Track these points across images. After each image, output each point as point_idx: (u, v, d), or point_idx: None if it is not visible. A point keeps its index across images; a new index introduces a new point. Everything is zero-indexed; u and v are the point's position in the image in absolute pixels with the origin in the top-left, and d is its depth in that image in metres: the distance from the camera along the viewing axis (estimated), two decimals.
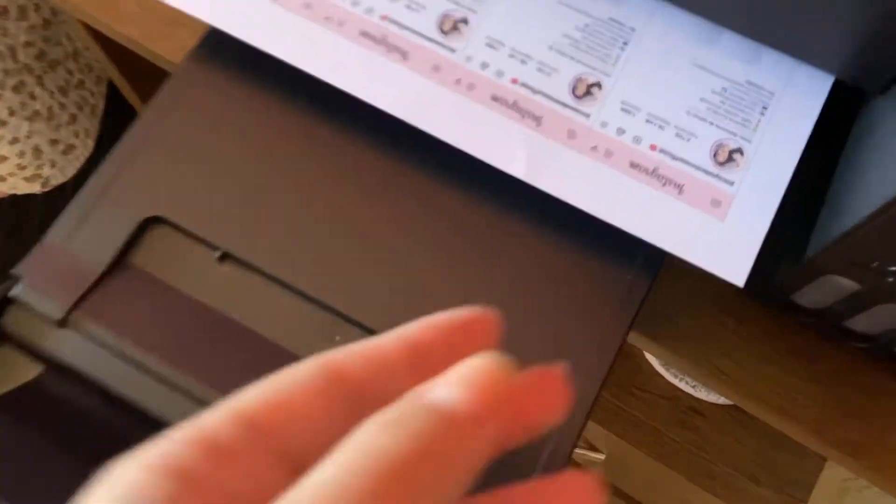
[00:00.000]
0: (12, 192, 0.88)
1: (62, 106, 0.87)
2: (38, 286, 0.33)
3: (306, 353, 0.33)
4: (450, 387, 0.16)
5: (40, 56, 0.83)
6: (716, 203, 0.33)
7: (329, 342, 0.33)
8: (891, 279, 0.30)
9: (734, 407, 0.61)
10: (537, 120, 0.35)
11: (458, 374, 0.16)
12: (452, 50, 0.36)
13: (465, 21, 0.36)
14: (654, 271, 0.34)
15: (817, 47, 0.33)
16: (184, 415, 0.31)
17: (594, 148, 0.34)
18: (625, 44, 0.36)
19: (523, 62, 0.35)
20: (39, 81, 0.82)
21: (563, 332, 0.33)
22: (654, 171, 0.34)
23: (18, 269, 0.33)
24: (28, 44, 0.80)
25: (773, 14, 0.32)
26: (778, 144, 0.34)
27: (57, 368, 0.33)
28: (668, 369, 0.60)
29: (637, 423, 0.61)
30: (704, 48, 0.35)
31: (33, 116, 0.82)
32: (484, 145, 0.34)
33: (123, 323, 0.33)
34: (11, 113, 0.79)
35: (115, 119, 0.99)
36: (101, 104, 0.94)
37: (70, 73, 0.88)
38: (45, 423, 0.31)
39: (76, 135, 0.90)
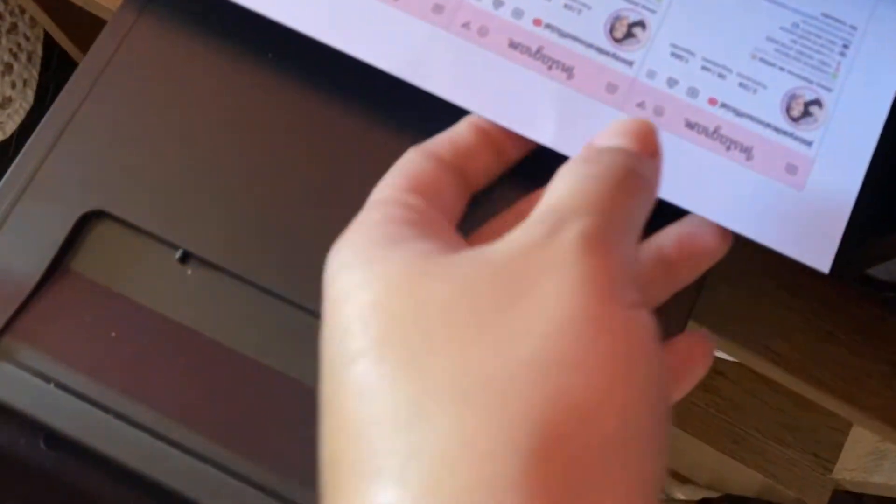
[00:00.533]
0: None
1: None
2: None
3: (289, 369, 0.27)
4: (614, 137, 0.21)
5: None
6: (791, 169, 0.27)
7: (314, 355, 0.27)
8: None
9: None
10: (568, 71, 0.28)
11: (613, 129, 0.21)
12: None
13: None
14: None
15: None
16: (142, 454, 0.26)
17: (640, 104, 0.28)
18: None
19: None
20: None
21: None
22: (715, 131, 0.28)
23: None
24: None
25: None
26: (864, 92, 0.28)
27: None
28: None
29: None
30: None
31: None
32: (501, 106, 0.27)
33: (65, 346, 0.27)
34: None
35: (58, 66, 0.90)
36: (38, 50, 0.85)
37: (0, 17, 0.79)
38: None
39: (12, 85, 0.81)
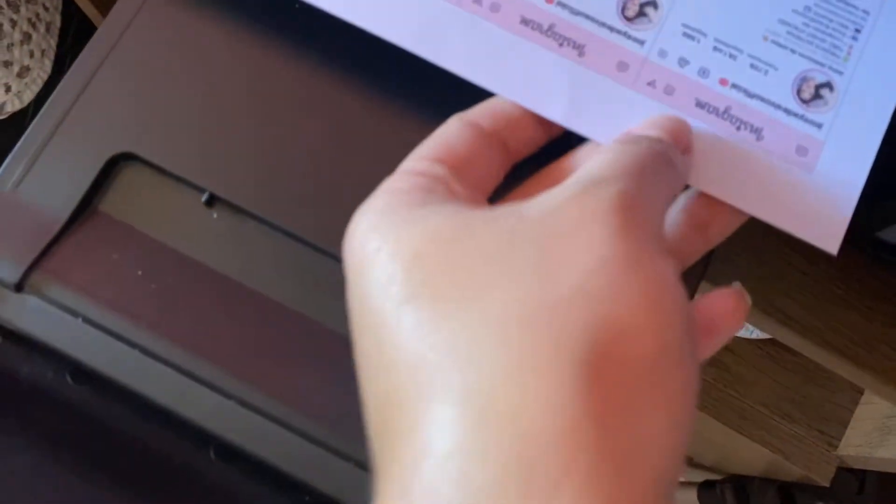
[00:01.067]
0: None
1: (13, 23, 0.78)
2: None
3: (312, 312, 0.27)
4: (652, 129, 0.24)
5: None
6: (802, 151, 0.27)
7: (341, 300, 0.28)
8: None
9: (765, 341, 0.57)
10: (579, 49, 0.28)
11: (652, 121, 0.25)
12: None
13: None
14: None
15: None
16: (166, 388, 0.26)
17: (651, 83, 0.28)
18: None
19: None
20: None
21: None
22: (725, 111, 0.28)
23: None
24: None
25: None
26: (875, 76, 0.28)
27: (15, 339, 0.27)
28: None
29: None
30: None
31: None
32: (512, 81, 0.27)
33: (92, 283, 0.27)
34: None
35: (76, 37, 0.91)
36: (56, 20, 0.86)
37: None
38: (2, 402, 0.26)
39: (31, 55, 0.81)
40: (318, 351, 0.27)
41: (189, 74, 0.29)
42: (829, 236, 0.27)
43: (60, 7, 0.85)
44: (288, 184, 0.28)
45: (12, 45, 0.78)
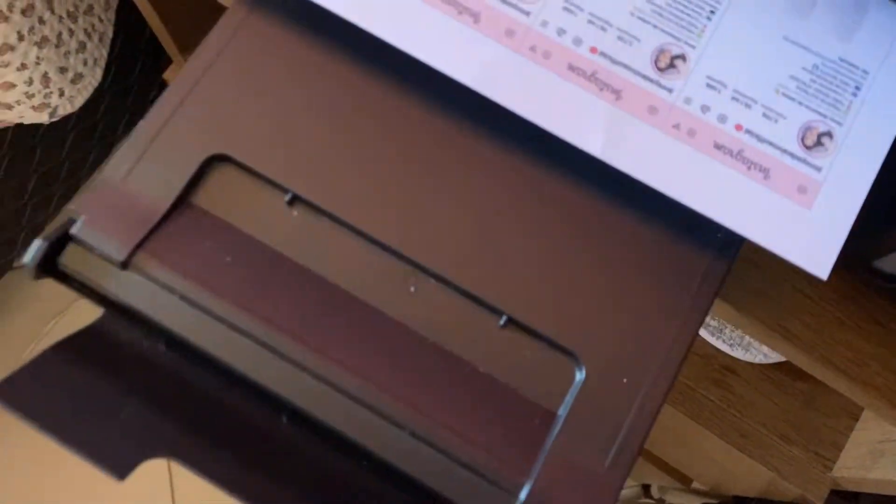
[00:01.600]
0: (19, 120, 0.85)
1: (71, 32, 0.83)
2: (98, 226, 0.31)
3: (380, 303, 0.31)
4: None
5: None
6: (802, 190, 0.32)
7: (404, 292, 0.32)
8: None
9: (768, 366, 0.60)
10: (616, 93, 0.32)
11: None
12: (527, 13, 0.33)
13: None
14: (733, 254, 0.33)
15: None
16: (249, 359, 0.30)
17: (676, 126, 0.32)
18: (712, 12, 0.33)
19: (603, 29, 0.33)
20: (48, 5, 0.79)
21: (634, 324, 0.32)
22: (738, 153, 0.32)
23: (76, 206, 0.31)
24: None
25: None
26: (870, 128, 0.32)
27: (118, 310, 0.31)
28: (705, 327, 0.59)
29: None
30: (796, 21, 0.33)
31: (42, 42, 0.79)
32: (558, 119, 0.32)
33: (187, 265, 0.31)
34: (21, 38, 0.76)
35: (123, 48, 0.95)
36: (109, 31, 0.91)
37: None
38: (106, 366, 0.30)
39: (85, 63, 0.86)
40: (382, 338, 0.31)
41: (278, 89, 0.33)
42: (820, 264, 0.31)
43: (113, 20, 0.90)
44: (361, 188, 0.32)
45: (69, 52, 0.83)
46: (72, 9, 0.83)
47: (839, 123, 0.32)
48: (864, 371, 0.37)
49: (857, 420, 0.59)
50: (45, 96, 0.83)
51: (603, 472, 0.29)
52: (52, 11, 0.79)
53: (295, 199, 0.32)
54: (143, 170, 0.32)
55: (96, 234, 0.31)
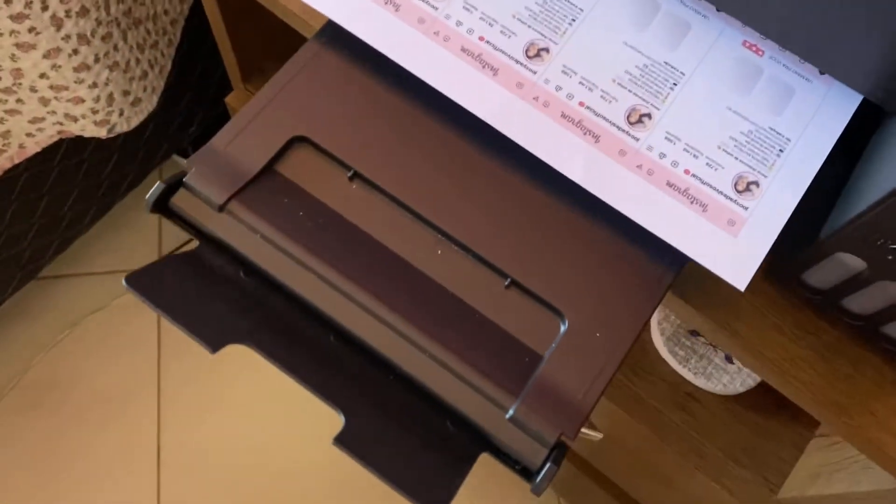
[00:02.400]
0: (80, 133, 0.94)
1: (138, 61, 0.94)
2: (205, 177, 0.40)
3: (414, 260, 0.40)
4: None
5: (127, 13, 0.90)
6: (731, 223, 0.41)
7: (433, 254, 0.41)
8: (891, 256, 0.38)
9: (726, 397, 0.68)
10: (596, 137, 0.42)
11: None
12: (534, 72, 0.42)
13: (546, 50, 0.43)
14: (680, 265, 0.42)
15: (853, 70, 0.41)
16: (309, 288, 0.39)
17: (639, 166, 0.41)
18: (675, 84, 0.43)
19: (590, 89, 0.42)
20: (123, 36, 0.90)
21: (608, 296, 0.41)
22: (685, 190, 0.41)
23: (189, 163, 0.40)
24: (120, 0, 0.87)
25: (825, 39, 0.40)
26: (788, 181, 0.41)
27: (212, 243, 0.40)
28: (674, 356, 0.67)
29: (639, 401, 0.68)
30: (740, 96, 0.42)
31: (113, 66, 0.89)
32: (550, 152, 0.41)
33: (268, 214, 0.40)
34: (97, 60, 0.86)
35: (175, 82, 1.06)
36: (168, 66, 1.01)
37: (148, 32, 0.95)
38: (202, 279, 0.38)
39: (145, 90, 0.97)
40: (413, 286, 0.39)
41: (347, 95, 0.43)
42: (741, 279, 0.40)
43: (173, 55, 1.01)
44: (406, 173, 0.42)
45: (133, 78, 0.93)
46: (141, 41, 0.94)
47: (765, 176, 0.41)
48: (793, 368, 0.46)
49: (802, 451, 0.66)
50: (108, 114, 0.93)
51: (576, 400, 0.38)
52: (125, 41, 0.90)
53: (355, 175, 0.42)
54: (241, 141, 0.41)
55: (203, 183, 0.40)
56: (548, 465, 0.36)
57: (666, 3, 0.43)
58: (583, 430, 0.77)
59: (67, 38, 0.81)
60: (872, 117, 0.43)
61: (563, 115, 0.42)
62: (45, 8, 0.76)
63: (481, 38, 0.43)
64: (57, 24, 0.79)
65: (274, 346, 0.36)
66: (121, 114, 0.94)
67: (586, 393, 0.38)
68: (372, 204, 0.41)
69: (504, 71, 0.42)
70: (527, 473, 0.37)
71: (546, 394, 0.38)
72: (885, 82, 0.40)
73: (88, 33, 0.83)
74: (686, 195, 0.41)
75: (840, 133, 0.42)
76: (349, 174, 0.42)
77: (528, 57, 0.43)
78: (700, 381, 0.67)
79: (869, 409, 0.45)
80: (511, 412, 0.37)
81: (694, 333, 0.68)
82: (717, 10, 0.43)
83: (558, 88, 0.42)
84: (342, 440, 0.34)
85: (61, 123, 0.92)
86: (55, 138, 0.96)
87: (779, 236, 0.44)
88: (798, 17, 0.40)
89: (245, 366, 1.23)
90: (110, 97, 0.91)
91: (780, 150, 0.42)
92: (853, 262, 0.40)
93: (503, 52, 0.42)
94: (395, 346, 0.38)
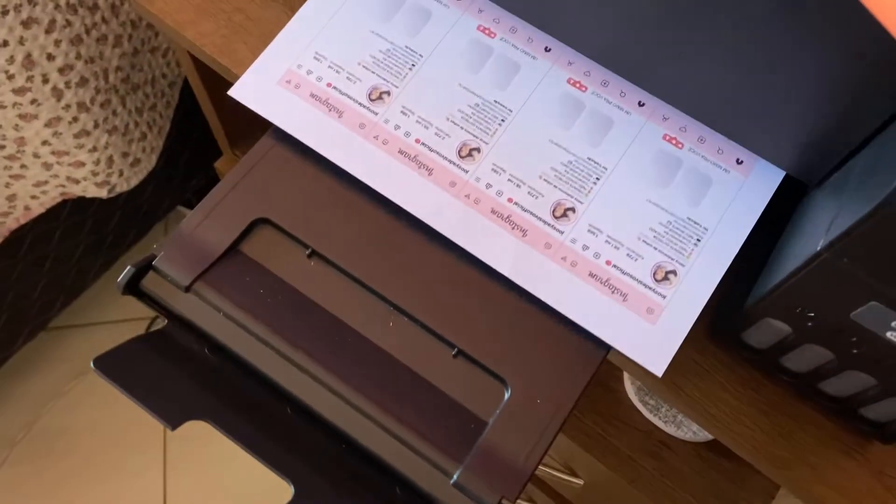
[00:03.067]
0: (81, 193, 0.99)
1: (136, 124, 0.98)
2: (172, 260, 0.43)
3: (367, 332, 0.43)
4: None
5: (126, 80, 0.94)
6: (650, 311, 0.43)
7: (386, 326, 0.44)
8: (810, 323, 0.41)
9: (698, 444, 0.70)
10: (524, 232, 0.44)
11: None
12: (466, 171, 0.45)
13: (478, 150, 0.45)
14: (608, 347, 0.43)
15: (777, 149, 0.44)
16: (268, 363, 0.41)
17: (564, 258, 0.43)
18: (597, 179, 0.45)
19: (518, 186, 0.45)
20: (122, 101, 0.94)
21: (547, 366, 0.43)
22: (606, 281, 0.43)
23: (158, 246, 0.43)
24: (118, 68, 0.92)
25: (749, 120, 0.43)
26: (705, 269, 0.43)
27: (178, 322, 0.43)
28: (644, 405, 0.69)
29: (614, 450, 0.70)
30: (659, 189, 0.45)
31: (112, 130, 0.94)
32: (480, 246, 0.44)
33: (231, 293, 0.43)
34: (96, 125, 0.91)
35: (175, 142, 1.11)
36: (167, 126, 1.06)
37: (147, 96, 1.00)
38: (167, 357, 0.42)
39: (144, 150, 1.01)
40: (366, 358, 0.42)
41: (303, 182, 0.46)
42: (658, 365, 0.42)
43: (171, 117, 1.06)
44: (359, 251, 0.45)
45: (132, 140, 0.98)
46: (139, 105, 0.98)
47: (682, 265, 0.43)
48: (736, 423, 0.48)
49: (773, 497, 0.68)
50: (108, 175, 0.97)
51: (518, 464, 0.40)
52: (124, 106, 0.94)
53: (313, 253, 0.45)
54: (208, 225, 0.45)
55: (170, 266, 0.43)
56: None
57: (590, 102, 0.46)
58: (566, 476, 0.79)
59: (67, 107, 0.85)
60: (800, 188, 0.46)
61: (493, 211, 0.44)
62: (45, 81, 0.81)
63: (417, 141, 0.46)
64: (57, 95, 0.83)
65: (231, 421, 0.39)
66: (120, 174, 0.98)
67: (527, 457, 0.40)
68: (328, 279, 0.44)
69: (438, 171, 0.45)
70: None
71: (489, 459, 0.40)
72: (807, 159, 0.43)
73: (87, 101, 0.87)
74: (607, 285, 0.43)
75: (756, 220, 0.44)
76: (307, 252, 0.45)
77: (461, 157, 0.45)
78: (671, 429, 0.69)
79: (808, 463, 0.47)
80: (455, 478, 0.40)
81: (665, 401, 0.70)
82: (640, 106, 0.46)
83: (488, 186, 0.45)
84: None
85: (64, 186, 0.97)
86: (58, 199, 1.00)
87: (720, 297, 0.47)
88: (722, 100, 0.43)
89: None
90: (110, 160, 0.95)
91: (698, 240, 0.44)
92: (781, 327, 0.43)
93: (437, 153, 0.45)
94: (346, 416, 0.41)
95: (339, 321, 0.43)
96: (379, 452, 0.41)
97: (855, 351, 0.40)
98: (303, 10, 0.48)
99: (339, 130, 0.46)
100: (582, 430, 0.71)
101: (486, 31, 0.48)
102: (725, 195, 0.44)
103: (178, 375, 0.40)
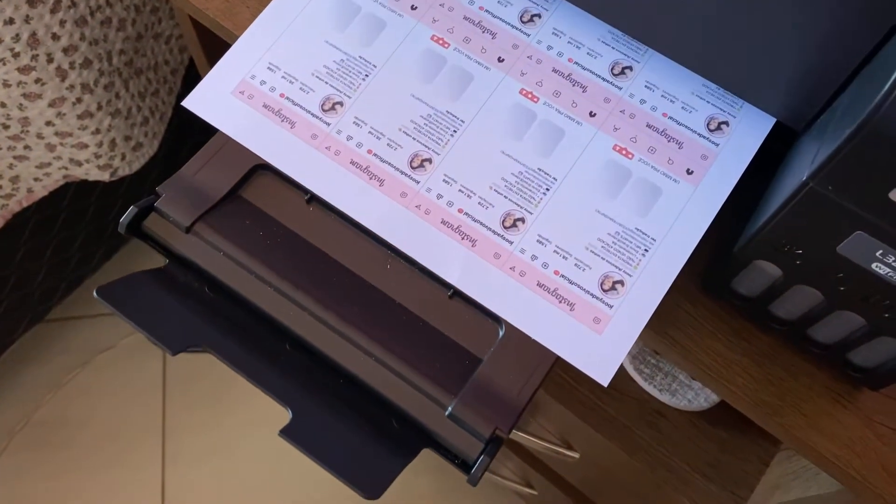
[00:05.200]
0: (85, 176, 1.00)
1: (139, 108, 1.00)
2: (173, 202, 0.44)
3: (364, 274, 0.44)
4: None
5: (129, 63, 0.96)
6: (597, 320, 0.43)
7: (383, 268, 0.44)
8: (798, 262, 0.41)
9: (693, 414, 0.71)
10: (473, 242, 0.44)
11: None
12: (417, 182, 0.45)
13: (429, 161, 0.45)
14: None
15: (765, 92, 0.45)
16: (267, 300, 0.42)
17: (512, 268, 0.43)
18: (547, 189, 0.44)
19: (469, 196, 0.44)
20: (125, 85, 0.95)
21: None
22: (554, 290, 0.43)
23: (161, 189, 0.44)
24: (122, 51, 0.93)
25: (741, 67, 0.44)
26: (652, 279, 0.43)
27: (179, 261, 0.44)
28: (640, 374, 0.70)
29: (609, 419, 0.71)
30: (608, 199, 0.44)
31: (115, 113, 0.95)
32: (430, 256, 0.44)
33: (231, 235, 0.44)
34: (99, 108, 0.92)
35: (178, 128, 1.12)
36: (168, 113, 1.07)
37: (150, 81, 1.01)
38: (168, 293, 0.42)
39: (146, 135, 1.02)
40: (364, 297, 0.43)
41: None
42: (603, 375, 0.42)
43: (174, 103, 1.07)
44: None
45: (135, 124, 0.99)
46: (142, 90, 1.00)
47: (629, 275, 0.43)
48: (728, 372, 0.48)
49: (767, 465, 0.69)
50: (110, 158, 0.98)
51: (511, 397, 0.41)
52: (127, 90, 0.96)
53: (312, 198, 0.46)
54: (208, 170, 0.46)
55: (172, 207, 0.44)
56: (482, 458, 0.39)
57: (543, 113, 0.46)
58: (561, 450, 0.79)
59: (71, 87, 0.86)
60: (789, 139, 0.47)
61: (443, 222, 0.44)
62: (50, 60, 0.82)
63: (369, 151, 0.45)
64: (61, 75, 0.84)
65: (231, 352, 0.40)
66: (123, 158, 1.00)
67: (521, 391, 0.41)
68: (327, 224, 0.45)
69: (389, 181, 0.45)
70: (466, 467, 0.40)
71: (483, 392, 0.41)
72: (793, 100, 0.44)
73: (91, 83, 0.88)
74: (555, 295, 0.43)
75: (705, 231, 0.44)
76: (306, 197, 0.46)
77: (412, 168, 0.45)
78: (665, 398, 0.69)
79: (800, 410, 0.47)
80: (450, 410, 0.41)
81: (658, 352, 0.70)
82: (591, 117, 0.46)
83: (439, 196, 0.45)
84: (288, 432, 0.37)
85: (66, 168, 0.98)
86: (61, 182, 1.01)
87: (711, 249, 0.48)
88: (714, 46, 0.44)
89: (248, 406, 1.26)
90: (112, 142, 0.96)
91: (646, 250, 0.44)
92: (770, 269, 0.44)
93: (389, 163, 0.45)
94: (344, 351, 0.42)
95: (338, 263, 0.44)
96: (376, 386, 0.41)
97: (842, 288, 0.41)
98: (258, 21, 0.48)
99: (290, 141, 0.45)
100: (577, 399, 0.71)
101: (441, 42, 0.48)
102: (675, 205, 0.44)
103: (179, 308, 0.41)
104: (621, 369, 0.72)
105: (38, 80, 0.83)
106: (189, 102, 0.46)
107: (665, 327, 0.50)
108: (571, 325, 0.42)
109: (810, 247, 0.40)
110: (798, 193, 0.38)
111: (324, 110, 0.46)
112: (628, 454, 0.69)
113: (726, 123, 0.46)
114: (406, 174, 0.45)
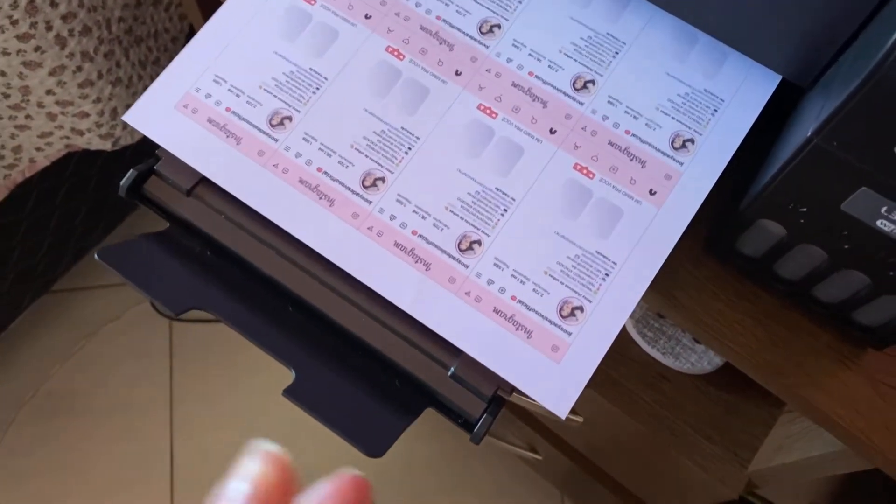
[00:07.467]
0: (87, 146, 0.99)
1: (140, 77, 0.99)
2: (174, 165, 0.44)
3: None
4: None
5: (129, 31, 0.95)
6: (555, 348, 0.41)
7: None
8: (803, 220, 0.41)
9: (696, 377, 0.71)
10: (427, 265, 0.42)
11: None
12: (369, 202, 0.42)
13: (382, 179, 0.43)
14: None
15: (771, 50, 0.44)
16: (270, 263, 0.42)
17: (468, 293, 0.41)
18: (505, 210, 0.42)
19: (424, 218, 0.42)
20: (125, 53, 0.95)
21: None
22: (511, 317, 0.41)
23: (160, 152, 0.44)
24: (121, 19, 0.93)
25: (745, 23, 0.43)
26: (613, 306, 0.42)
27: (181, 224, 0.44)
28: (643, 337, 0.70)
29: (613, 382, 0.71)
30: (568, 221, 0.43)
31: (116, 82, 0.94)
32: (380, 280, 0.42)
33: (232, 197, 0.44)
34: (100, 76, 0.91)
35: None
36: None
37: (150, 50, 1.01)
38: (169, 255, 0.42)
39: None
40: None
41: None
42: (560, 407, 0.40)
43: None
44: None
45: (136, 93, 0.98)
46: (143, 58, 0.99)
47: (589, 301, 0.41)
48: (730, 332, 0.48)
49: (770, 428, 0.69)
50: (112, 127, 0.98)
51: None
52: (128, 58, 0.95)
53: None
54: None
55: (171, 170, 0.44)
56: (484, 417, 0.39)
57: (501, 130, 0.44)
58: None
59: (71, 55, 0.86)
60: (796, 98, 0.46)
61: (396, 244, 0.42)
62: (49, 28, 0.81)
63: (319, 169, 0.43)
64: (61, 42, 0.84)
65: (233, 312, 0.40)
66: (124, 127, 0.99)
67: None
68: None
69: (340, 201, 0.43)
70: (468, 426, 0.40)
71: None
72: (799, 56, 0.43)
73: (91, 51, 0.88)
74: (512, 321, 0.41)
75: (668, 255, 0.43)
76: None
77: (365, 187, 0.43)
78: (669, 361, 0.69)
79: (803, 370, 0.47)
80: (453, 370, 0.41)
81: (661, 315, 0.70)
82: (551, 134, 0.44)
83: (392, 218, 0.43)
84: (291, 392, 0.37)
85: (68, 137, 0.97)
86: (63, 152, 1.01)
87: (715, 211, 0.47)
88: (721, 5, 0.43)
89: (256, 375, 1.27)
90: (114, 111, 0.96)
91: (606, 274, 0.42)
92: (775, 229, 0.43)
93: (340, 182, 0.43)
94: (347, 312, 0.42)
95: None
96: (379, 346, 0.41)
97: (847, 246, 0.41)
98: (204, 29, 0.46)
99: (236, 158, 0.43)
100: None
101: (395, 53, 0.46)
102: (637, 227, 0.43)
103: (181, 270, 0.41)
104: (624, 332, 0.72)
105: (37, 49, 0.82)
106: (129, 117, 0.44)
107: (668, 287, 0.50)
108: (528, 353, 0.40)
109: (815, 204, 0.40)
110: (802, 150, 0.37)
111: (272, 125, 0.44)
112: (632, 417, 0.70)
113: (692, 141, 0.45)
114: (358, 194, 0.43)
